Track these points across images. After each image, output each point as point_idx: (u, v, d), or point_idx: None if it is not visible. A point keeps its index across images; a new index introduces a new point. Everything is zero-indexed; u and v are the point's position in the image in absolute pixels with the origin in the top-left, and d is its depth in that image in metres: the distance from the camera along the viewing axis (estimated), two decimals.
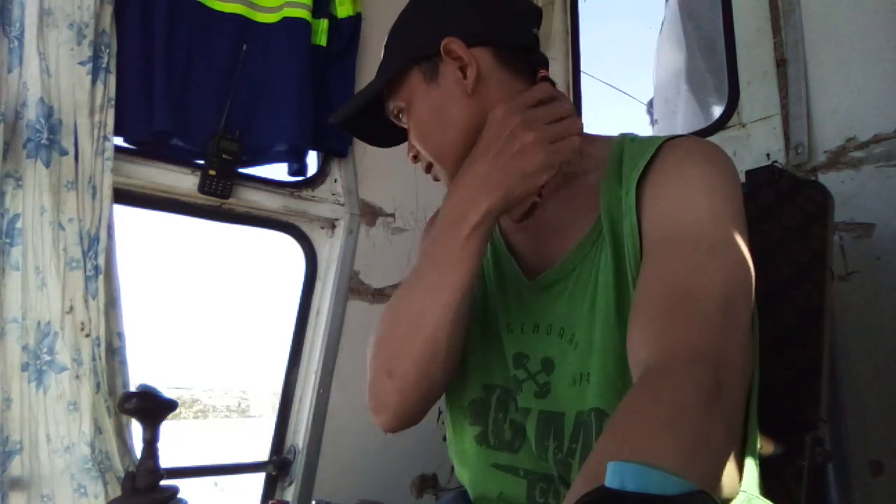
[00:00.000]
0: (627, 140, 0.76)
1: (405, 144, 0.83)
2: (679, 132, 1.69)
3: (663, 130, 1.94)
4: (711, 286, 0.58)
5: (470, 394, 0.81)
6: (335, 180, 1.59)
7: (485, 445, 0.78)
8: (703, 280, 0.58)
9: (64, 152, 1.16)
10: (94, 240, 1.17)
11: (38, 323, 1.11)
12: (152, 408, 0.75)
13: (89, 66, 1.18)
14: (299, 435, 1.48)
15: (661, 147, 0.71)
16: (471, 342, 0.81)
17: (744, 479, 0.68)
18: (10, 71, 1.13)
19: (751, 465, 0.70)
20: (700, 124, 1.70)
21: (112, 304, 1.20)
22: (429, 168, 0.81)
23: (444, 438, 0.92)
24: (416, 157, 0.81)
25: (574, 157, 0.72)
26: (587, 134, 0.82)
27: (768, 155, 1.32)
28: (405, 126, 0.81)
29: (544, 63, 0.80)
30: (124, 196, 1.29)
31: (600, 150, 0.78)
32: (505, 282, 0.81)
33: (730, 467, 0.71)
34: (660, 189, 0.67)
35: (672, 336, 0.55)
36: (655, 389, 0.50)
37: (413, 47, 0.78)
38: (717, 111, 1.55)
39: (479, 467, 0.78)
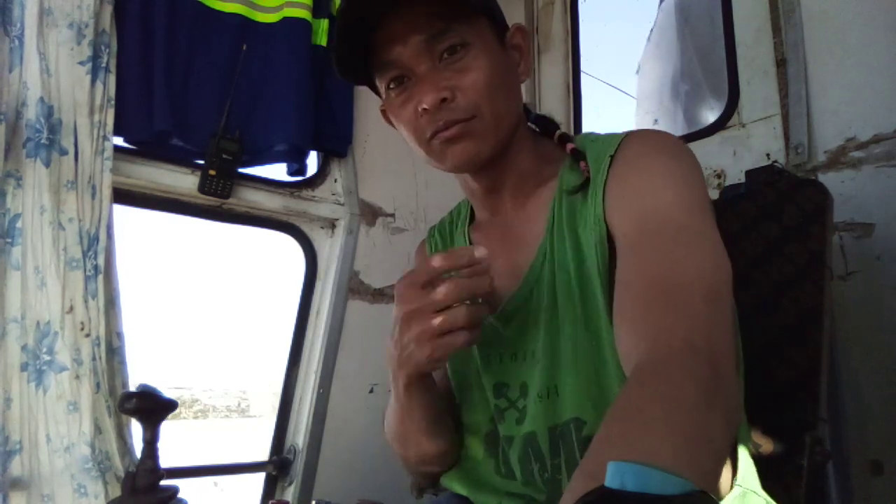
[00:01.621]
0: (588, 142, 0.76)
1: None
2: (679, 133, 1.69)
3: (663, 129, 1.94)
4: (695, 277, 0.58)
5: (484, 427, 0.81)
6: (335, 180, 1.59)
7: (499, 476, 0.78)
8: (685, 271, 0.58)
9: (64, 152, 1.16)
10: (94, 239, 1.17)
11: (38, 323, 1.11)
12: (152, 408, 0.75)
13: (89, 65, 1.18)
14: (299, 435, 1.48)
15: (620, 144, 0.71)
16: (470, 380, 0.83)
17: (739, 473, 0.68)
18: (10, 70, 1.13)
19: (745, 459, 0.70)
20: (698, 125, 1.70)
21: (112, 303, 1.20)
22: (452, 124, 0.69)
23: None
24: (444, 101, 0.68)
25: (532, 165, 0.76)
26: (546, 136, 0.84)
27: (768, 155, 1.32)
28: (431, 61, 0.69)
29: None
30: (124, 196, 1.29)
31: (560, 154, 0.79)
32: None
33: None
34: (625, 184, 0.67)
35: (662, 330, 0.55)
36: (650, 384, 0.50)
37: (492, 3, 0.74)
38: (715, 114, 1.54)
39: (495, 494, 0.78)
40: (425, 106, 0.68)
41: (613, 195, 0.68)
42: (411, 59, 0.69)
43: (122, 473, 1.12)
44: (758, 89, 1.37)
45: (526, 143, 0.79)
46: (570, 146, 0.76)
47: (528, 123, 0.83)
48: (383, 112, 0.80)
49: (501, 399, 0.77)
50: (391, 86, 0.72)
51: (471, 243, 0.86)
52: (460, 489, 0.82)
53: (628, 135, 0.72)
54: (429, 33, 0.68)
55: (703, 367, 0.50)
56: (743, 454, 0.72)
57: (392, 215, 1.70)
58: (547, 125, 0.85)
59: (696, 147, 1.45)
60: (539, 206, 0.77)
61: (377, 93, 0.79)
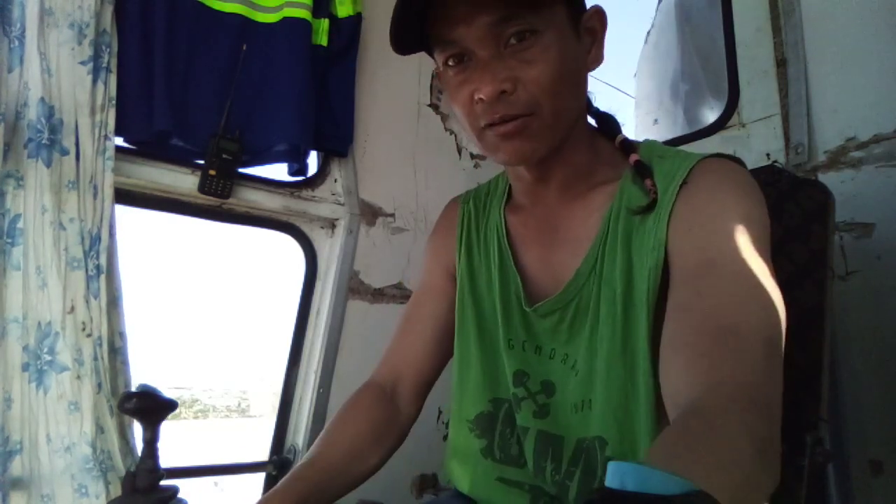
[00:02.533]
0: (654, 157, 0.72)
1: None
2: (679, 133, 1.68)
3: (662, 130, 1.94)
4: (757, 325, 0.56)
5: (476, 408, 0.81)
6: (335, 180, 1.59)
7: (490, 459, 0.79)
8: (748, 318, 0.56)
9: (65, 152, 1.16)
10: (96, 239, 1.17)
11: (39, 323, 1.11)
12: (152, 408, 0.75)
13: (90, 65, 1.18)
14: (299, 435, 1.48)
15: (692, 169, 0.68)
16: (472, 358, 0.83)
17: None
18: (10, 71, 1.13)
19: None
20: (699, 125, 1.70)
21: (113, 303, 1.20)
22: (509, 118, 0.65)
23: (445, 438, 0.92)
24: (503, 93, 0.64)
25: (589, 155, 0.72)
26: (602, 134, 0.79)
27: (768, 155, 1.32)
28: (495, 48, 0.65)
29: None
30: (124, 196, 1.29)
31: (617, 159, 0.75)
32: (509, 298, 0.80)
33: None
34: (694, 216, 0.64)
35: (721, 375, 0.53)
36: (706, 430, 0.48)
37: None
38: (715, 114, 1.54)
39: (484, 480, 0.78)
40: (482, 97, 0.65)
41: (680, 225, 0.65)
42: (474, 42, 0.65)
43: (123, 473, 1.12)
44: (758, 89, 1.37)
45: (583, 138, 0.75)
46: (634, 157, 0.72)
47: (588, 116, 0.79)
48: (438, 74, 0.76)
49: (520, 388, 0.76)
50: (449, 62, 0.68)
51: (506, 225, 0.83)
52: (456, 476, 0.83)
53: (702, 162, 0.69)
54: (496, 16, 0.63)
55: (760, 424, 0.50)
56: None
57: (392, 215, 1.70)
58: (606, 123, 0.80)
59: (697, 147, 1.45)
60: (590, 209, 0.74)
61: (432, 56, 0.73)
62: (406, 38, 0.69)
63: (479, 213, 0.88)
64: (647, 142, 0.76)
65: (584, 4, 0.71)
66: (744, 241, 0.61)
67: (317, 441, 0.86)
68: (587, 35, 0.71)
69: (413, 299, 0.95)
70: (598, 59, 0.72)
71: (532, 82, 0.64)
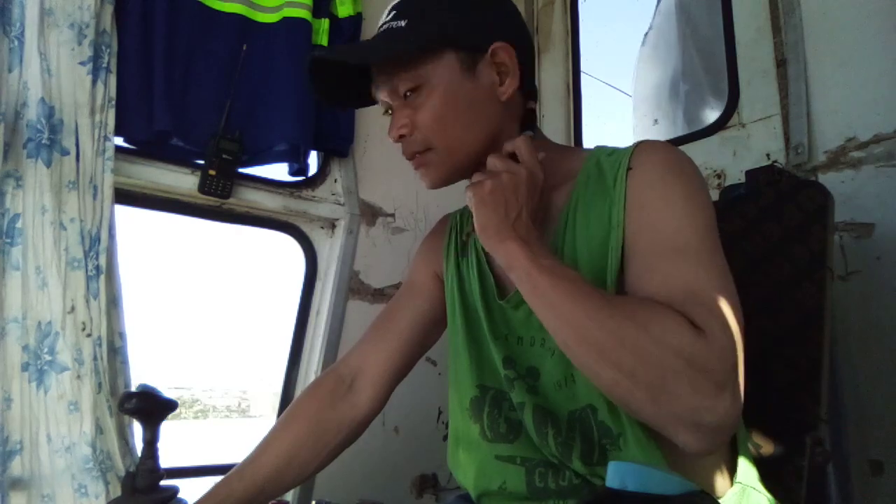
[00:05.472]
0: (604, 154, 0.81)
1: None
2: (680, 133, 1.68)
3: (662, 130, 1.94)
4: (713, 287, 0.64)
5: (469, 394, 0.85)
6: (335, 180, 1.59)
7: (485, 440, 0.82)
8: (703, 283, 0.65)
9: (65, 152, 1.16)
10: (96, 240, 1.17)
11: (39, 323, 1.11)
12: (152, 408, 0.75)
13: (90, 65, 1.18)
14: None
15: (633, 152, 0.76)
16: (460, 349, 0.88)
17: (738, 470, 0.72)
18: (10, 71, 1.13)
19: (744, 457, 0.74)
20: (699, 125, 1.70)
21: (113, 303, 1.20)
22: (412, 156, 0.82)
23: (445, 438, 0.93)
24: (402, 137, 0.81)
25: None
26: (559, 146, 0.89)
27: (768, 155, 1.32)
28: (399, 99, 0.81)
29: (533, 92, 0.87)
30: (124, 196, 1.29)
31: (572, 165, 0.83)
32: (487, 296, 0.86)
33: (719, 460, 0.73)
34: (642, 198, 0.73)
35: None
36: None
37: (459, 33, 0.79)
38: (715, 114, 1.54)
39: (486, 461, 0.81)
40: (392, 138, 0.82)
41: (635, 207, 0.73)
42: (386, 98, 0.82)
43: (123, 473, 1.12)
44: (758, 89, 1.37)
45: None
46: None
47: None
48: None
49: (510, 370, 0.81)
50: (388, 112, 0.85)
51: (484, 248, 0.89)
52: (462, 466, 0.85)
53: (639, 147, 0.77)
54: (390, 80, 0.80)
55: (685, 321, 0.61)
56: (742, 452, 0.73)
57: (392, 215, 1.70)
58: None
59: (696, 147, 1.45)
60: (552, 211, 0.82)
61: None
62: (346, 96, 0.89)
63: (464, 222, 0.97)
64: (598, 147, 0.85)
65: (480, 47, 0.79)
66: (692, 224, 0.69)
67: (256, 445, 0.91)
68: (492, 70, 0.80)
69: (396, 295, 1.02)
70: (509, 89, 0.81)
71: (422, 125, 0.79)
